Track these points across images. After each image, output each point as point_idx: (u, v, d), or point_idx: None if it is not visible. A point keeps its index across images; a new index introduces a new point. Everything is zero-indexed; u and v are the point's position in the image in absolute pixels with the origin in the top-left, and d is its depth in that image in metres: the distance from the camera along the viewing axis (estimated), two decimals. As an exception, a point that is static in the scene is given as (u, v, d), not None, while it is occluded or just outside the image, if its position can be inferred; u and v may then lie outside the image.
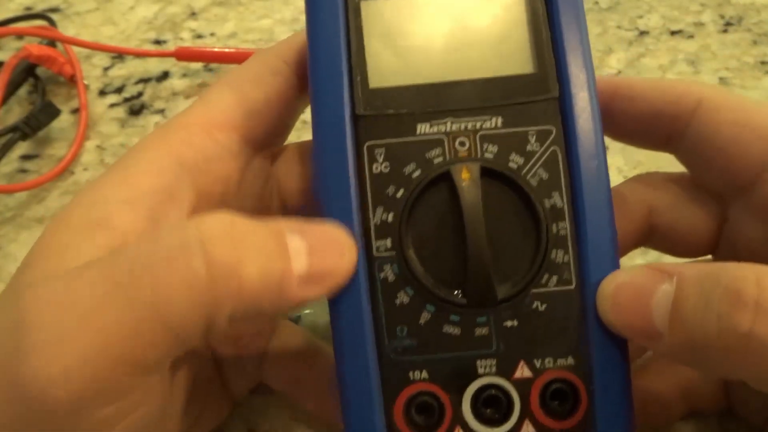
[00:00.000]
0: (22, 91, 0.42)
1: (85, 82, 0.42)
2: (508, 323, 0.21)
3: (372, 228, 0.22)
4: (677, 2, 0.44)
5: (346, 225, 0.21)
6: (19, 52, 0.41)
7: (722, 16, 0.43)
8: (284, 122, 0.26)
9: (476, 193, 0.21)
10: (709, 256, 0.26)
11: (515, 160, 0.22)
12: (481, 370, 0.21)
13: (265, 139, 0.25)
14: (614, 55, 0.42)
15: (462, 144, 0.22)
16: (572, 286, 0.22)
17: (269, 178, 0.26)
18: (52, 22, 0.45)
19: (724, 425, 0.27)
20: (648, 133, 0.25)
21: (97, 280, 0.18)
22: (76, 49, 0.43)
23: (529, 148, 0.22)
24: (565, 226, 0.22)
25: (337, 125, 0.22)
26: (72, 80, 0.42)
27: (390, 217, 0.22)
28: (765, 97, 0.39)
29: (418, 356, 0.21)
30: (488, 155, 0.22)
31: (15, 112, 0.41)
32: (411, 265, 0.21)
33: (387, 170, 0.22)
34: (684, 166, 0.25)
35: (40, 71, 0.42)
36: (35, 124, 0.38)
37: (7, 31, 0.43)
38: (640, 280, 0.20)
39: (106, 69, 0.44)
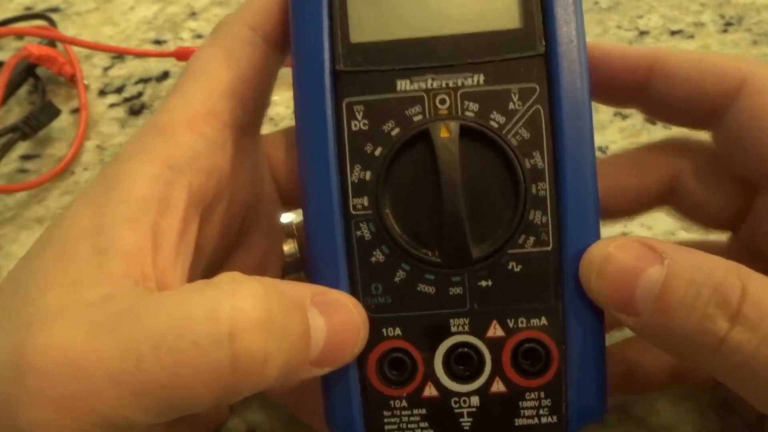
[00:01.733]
0: (22, 91, 0.42)
1: (85, 82, 0.42)
2: (483, 283, 0.22)
3: (349, 186, 0.22)
4: (677, 2, 0.43)
5: (323, 183, 0.22)
6: (19, 52, 0.41)
7: (722, 16, 0.42)
8: (265, 95, 0.25)
9: (453, 151, 0.21)
10: (725, 235, 0.26)
11: (496, 119, 0.22)
12: (454, 329, 0.22)
13: (248, 119, 0.24)
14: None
15: (442, 102, 0.22)
16: (549, 248, 0.21)
17: (259, 163, 0.26)
18: (52, 22, 0.44)
19: (725, 424, 0.27)
20: (685, 112, 0.24)
21: (118, 343, 0.18)
22: (76, 49, 0.42)
23: (511, 106, 0.22)
24: (544, 187, 0.21)
25: (316, 81, 0.22)
26: (72, 80, 0.42)
27: (368, 176, 0.22)
28: None
29: (393, 314, 0.22)
30: (469, 113, 0.22)
31: (15, 112, 0.41)
32: (387, 224, 0.22)
33: (366, 128, 0.22)
34: (717, 147, 0.24)
35: (40, 71, 0.42)
36: (35, 124, 0.38)
37: (7, 31, 0.43)
38: (632, 257, 0.20)
39: (106, 69, 0.43)
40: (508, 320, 0.22)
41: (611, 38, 0.42)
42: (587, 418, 0.21)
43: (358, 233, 0.22)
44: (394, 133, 0.22)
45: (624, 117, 0.38)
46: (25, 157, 0.40)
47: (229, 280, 0.19)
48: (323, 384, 0.22)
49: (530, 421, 0.21)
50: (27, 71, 0.42)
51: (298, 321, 0.19)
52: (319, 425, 0.26)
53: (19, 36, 0.44)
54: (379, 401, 0.22)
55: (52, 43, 0.43)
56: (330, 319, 0.20)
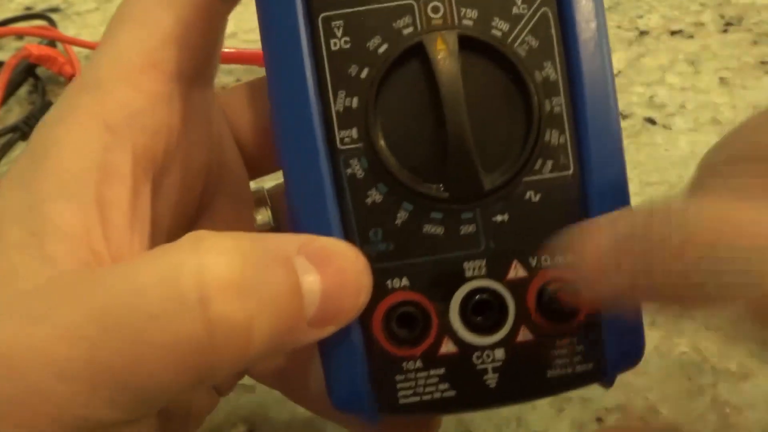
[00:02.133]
0: (22, 91, 0.42)
1: None
2: (498, 218, 0.19)
3: (334, 116, 0.18)
4: (677, 2, 0.43)
5: (302, 116, 0.18)
6: (19, 52, 0.41)
7: (722, 16, 0.42)
8: (214, 40, 0.21)
9: (454, 67, 0.18)
10: None
11: (499, 27, 0.19)
12: (469, 273, 0.19)
13: (196, 69, 0.21)
14: (614, 55, 0.40)
15: (435, 10, 0.18)
16: (570, 172, 0.19)
17: (216, 121, 0.22)
18: (52, 22, 0.44)
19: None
20: None
21: (58, 330, 0.15)
22: (76, 49, 0.42)
23: (515, 11, 0.19)
24: (560, 102, 0.19)
25: None
26: (72, 80, 0.39)
27: (354, 102, 0.18)
28: (765, 97, 0.38)
29: (397, 262, 0.18)
30: (467, 22, 0.18)
31: (15, 112, 0.41)
32: (382, 158, 0.18)
33: (348, 46, 0.18)
34: None
35: (40, 71, 0.42)
36: (35, 124, 0.37)
37: (7, 31, 0.44)
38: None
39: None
40: (530, 258, 0.19)
41: (611, 38, 0.42)
42: (627, 362, 0.19)
43: (349, 171, 0.18)
44: (381, 50, 0.18)
45: (624, 117, 0.38)
46: (26, 157, 0.38)
47: (191, 238, 0.16)
48: (321, 352, 0.19)
49: (564, 371, 0.19)
50: (27, 71, 0.42)
51: (283, 275, 0.16)
52: (313, 405, 0.23)
53: (19, 36, 0.44)
54: (389, 364, 0.19)
55: (52, 43, 0.43)
56: (324, 269, 0.17)
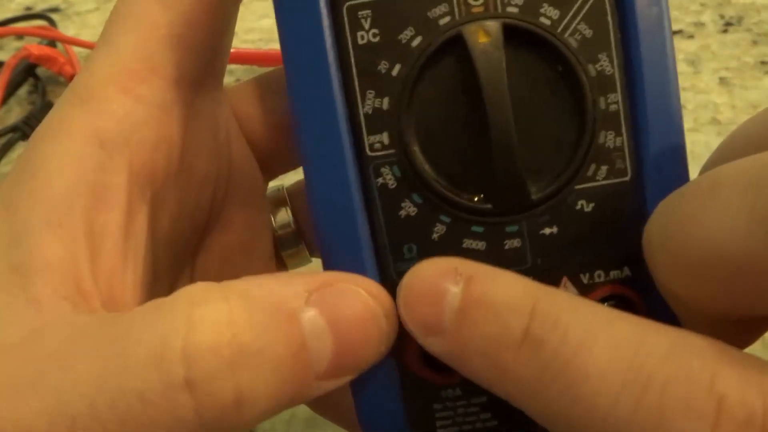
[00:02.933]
0: (22, 91, 0.42)
1: None
2: (546, 231, 0.17)
3: (362, 119, 0.16)
4: (677, 2, 0.43)
5: (327, 119, 0.16)
6: (19, 52, 0.41)
7: (722, 16, 0.42)
8: (220, 38, 0.19)
9: (498, 60, 0.16)
10: None
11: (548, 14, 0.16)
12: (514, 293, 0.17)
13: (200, 71, 0.19)
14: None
15: (475, -4, 0.16)
16: (627, 178, 0.17)
17: (223, 124, 0.20)
18: (52, 22, 0.44)
19: None
20: None
21: (43, 404, 0.14)
22: (76, 49, 0.42)
23: None
24: (616, 99, 0.16)
25: None
26: (72, 80, 0.37)
27: (385, 104, 0.16)
28: (765, 97, 0.37)
29: None
30: (512, 8, 0.16)
31: (15, 112, 0.41)
32: (417, 165, 0.16)
33: (377, 40, 0.16)
34: None
35: (40, 71, 0.42)
36: (35, 124, 0.37)
37: (7, 31, 0.44)
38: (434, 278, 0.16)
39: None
40: (582, 275, 0.17)
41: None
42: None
43: (380, 181, 0.17)
44: (415, 43, 0.16)
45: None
46: (26, 158, 0.38)
47: (185, 300, 0.15)
48: (351, 383, 0.17)
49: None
50: (27, 71, 0.42)
51: (282, 335, 0.15)
52: (348, 425, 0.22)
53: (19, 36, 0.44)
54: (426, 393, 0.17)
55: (52, 43, 0.43)
56: (333, 316, 0.15)
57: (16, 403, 0.14)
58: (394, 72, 0.16)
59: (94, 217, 0.16)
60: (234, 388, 0.14)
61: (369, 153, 0.16)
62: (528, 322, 0.14)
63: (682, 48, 0.41)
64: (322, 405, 0.22)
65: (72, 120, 0.17)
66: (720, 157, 0.17)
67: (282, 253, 0.22)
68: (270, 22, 0.40)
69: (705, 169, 0.17)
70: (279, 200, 0.23)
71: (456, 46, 0.16)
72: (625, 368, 0.13)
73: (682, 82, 0.38)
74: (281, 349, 0.14)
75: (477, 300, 0.15)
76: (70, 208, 0.16)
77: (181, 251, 0.20)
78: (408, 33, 0.16)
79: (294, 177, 0.24)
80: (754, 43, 0.40)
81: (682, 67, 0.40)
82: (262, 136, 0.21)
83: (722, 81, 0.39)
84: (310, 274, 0.16)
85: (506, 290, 0.15)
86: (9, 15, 0.45)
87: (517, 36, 0.16)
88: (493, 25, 0.16)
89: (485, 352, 0.14)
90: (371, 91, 0.16)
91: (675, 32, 0.41)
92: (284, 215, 0.22)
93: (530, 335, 0.14)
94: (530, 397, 0.14)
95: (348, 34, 0.16)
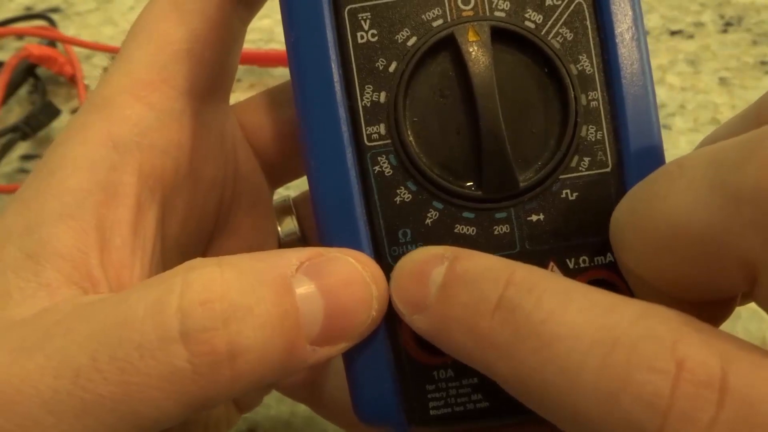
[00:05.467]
0: (22, 91, 0.42)
1: (86, 82, 0.41)
2: (533, 217, 0.18)
3: (361, 111, 0.18)
4: (677, 2, 0.43)
5: (328, 111, 0.17)
6: (19, 52, 0.41)
7: (722, 16, 0.42)
8: (227, 53, 0.21)
9: (486, 59, 0.17)
10: None
11: (532, 18, 0.18)
12: (503, 276, 0.18)
13: (209, 84, 0.20)
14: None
15: (466, 1, 0.18)
16: (608, 169, 0.18)
17: (229, 134, 0.22)
18: (52, 22, 0.44)
19: None
20: None
21: (49, 361, 0.15)
22: (76, 49, 0.42)
23: (548, 2, 0.18)
24: (596, 96, 0.18)
25: None
26: (72, 80, 0.41)
27: (382, 97, 0.18)
28: None
29: None
30: (499, 13, 0.18)
31: (15, 112, 0.41)
32: (411, 155, 0.17)
33: (375, 39, 0.18)
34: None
35: (40, 71, 0.42)
36: (35, 124, 0.38)
37: (7, 31, 0.44)
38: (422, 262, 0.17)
39: (106, 69, 0.41)
40: (568, 260, 0.18)
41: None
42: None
43: (376, 168, 0.18)
44: (410, 42, 0.18)
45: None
46: (25, 157, 0.39)
47: (183, 268, 0.16)
48: (346, 363, 0.18)
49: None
50: (27, 71, 0.41)
51: (271, 294, 0.15)
52: (344, 422, 0.22)
53: (19, 36, 0.44)
54: (419, 374, 0.18)
55: (52, 43, 0.43)
56: (324, 282, 0.16)
57: (24, 362, 0.15)
58: (391, 68, 0.18)
59: (105, 212, 0.17)
60: (226, 339, 0.15)
61: (367, 143, 0.18)
62: (503, 290, 0.15)
63: (682, 48, 0.40)
64: (322, 405, 0.23)
65: (88, 125, 0.18)
66: None
67: None
68: (270, 22, 0.41)
69: None
70: (285, 209, 0.24)
71: (448, 45, 0.18)
72: (594, 329, 0.13)
73: (683, 82, 0.38)
74: (271, 308, 0.15)
75: (458, 275, 0.15)
76: (82, 202, 0.17)
77: (190, 254, 0.21)
78: (404, 33, 0.18)
79: (299, 188, 0.25)
80: (754, 43, 0.40)
81: (682, 67, 0.40)
82: (268, 146, 0.22)
83: (722, 81, 0.39)
84: (303, 248, 0.17)
85: (486, 263, 0.16)
86: (9, 15, 0.45)
87: (504, 37, 0.18)
88: (482, 27, 0.18)
89: (463, 321, 0.15)
90: (369, 86, 0.18)
91: (675, 32, 0.41)
92: (290, 223, 0.23)
93: (504, 300, 0.14)
94: (505, 363, 0.14)
95: (349, 33, 0.18)
